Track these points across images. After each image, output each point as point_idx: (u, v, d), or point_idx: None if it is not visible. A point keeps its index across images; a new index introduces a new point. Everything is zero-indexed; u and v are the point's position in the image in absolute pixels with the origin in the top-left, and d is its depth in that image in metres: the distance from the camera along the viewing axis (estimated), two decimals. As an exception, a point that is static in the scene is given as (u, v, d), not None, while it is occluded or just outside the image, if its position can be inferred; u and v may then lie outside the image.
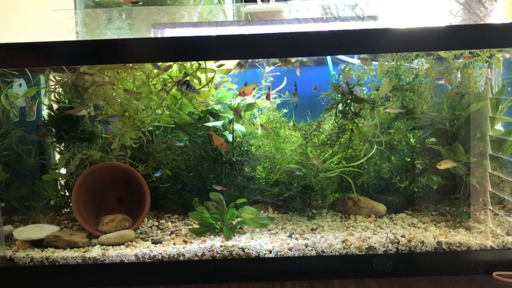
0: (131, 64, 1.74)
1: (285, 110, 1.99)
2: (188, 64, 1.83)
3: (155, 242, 1.65)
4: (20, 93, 1.85)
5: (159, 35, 1.77)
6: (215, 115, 1.94)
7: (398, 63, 1.85)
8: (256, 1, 1.98)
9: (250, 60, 1.95)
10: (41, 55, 1.47)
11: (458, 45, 1.51)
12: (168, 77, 1.85)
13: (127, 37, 1.81)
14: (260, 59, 1.98)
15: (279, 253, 1.55)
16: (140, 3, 2.06)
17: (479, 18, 1.62)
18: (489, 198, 1.70)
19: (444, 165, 1.64)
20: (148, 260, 1.54)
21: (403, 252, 1.55)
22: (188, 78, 1.81)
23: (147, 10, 2.04)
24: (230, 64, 1.91)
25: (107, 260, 1.54)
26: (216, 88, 1.88)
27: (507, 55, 1.72)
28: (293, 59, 1.87)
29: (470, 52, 1.70)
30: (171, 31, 1.82)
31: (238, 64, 1.87)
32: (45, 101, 1.95)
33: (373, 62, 1.88)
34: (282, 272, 1.53)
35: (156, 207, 1.98)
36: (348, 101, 1.83)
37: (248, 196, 1.86)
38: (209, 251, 1.55)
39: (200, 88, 1.85)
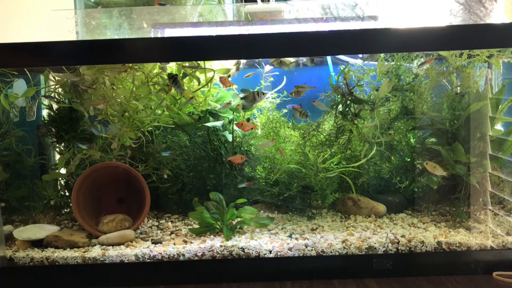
0: (130, 64, 1.74)
1: (285, 110, 1.99)
2: (187, 64, 1.83)
3: (155, 242, 1.65)
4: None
5: (159, 35, 1.77)
6: (215, 115, 1.94)
7: (398, 63, 1.85)
8: (256, 1, 1.98)
9: (245, 61, 1.95)
10: (41, 55, 1.47)
11: (458, 45, 1.51)
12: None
13: (127, 37, 1.81)
14: (258, 60, 1.98)
15: (279, 253, 1.55)
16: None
17: (479, 18, 1.62)
18: (489, 198, 1.70)
19: (431, 168, 1.64)
20: (148, 260, 1.54)
21: (403, 252, 1.55)
22: (181, 75, 1.81)
23: (147, 10, 2.04)
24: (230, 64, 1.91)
25: (107, 260, 1.54)
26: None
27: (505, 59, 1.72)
28: (289, 60, 1.87)
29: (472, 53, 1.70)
30: (171, 31, 1.82)
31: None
32: (45, 101, 1.95)
33: (372, 62, 1.89)
34: (282, 272, 1.53)
35: (156, 207, 1.98)
36: (348, 102, 1.83)
37: (248, 196, 1.86)
38: (209, 251, 1.55)
39: (199, 89, 1.85)
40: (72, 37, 1.74)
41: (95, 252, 1.57)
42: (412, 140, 1.94)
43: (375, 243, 1.56)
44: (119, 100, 1.78)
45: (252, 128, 1.78)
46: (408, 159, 1.93)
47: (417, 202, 1.90)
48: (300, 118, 1.83)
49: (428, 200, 1.86)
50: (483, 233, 1.63)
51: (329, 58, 2.05)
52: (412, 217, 1.83)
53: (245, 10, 1.87)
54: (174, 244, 1.62)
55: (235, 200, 1.78)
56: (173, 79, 1.65)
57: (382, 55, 1.80)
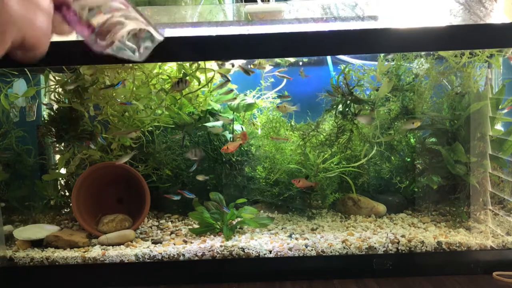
0: (130, 64, 1.74)
1: (285, 110, 1.99)
2: (187, 64, 1.83)
3: (155, 242, 1.65)
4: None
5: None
6: (215, 115, 1.94)
7: (398, 63, 1.85)
8: (256, 1, 1.98)
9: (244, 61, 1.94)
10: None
11: (458, 45, 1.51)
12: (168, 77, 1.85)
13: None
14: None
15: (279, 253, 1.55)
16: None
17: (479, 18, 1.62)
18: (489, 198, 1.70)
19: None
20: (148, 260, 1.54)
21: (403, 252, 1.55)
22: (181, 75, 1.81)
23: (147, 10, 2.03)
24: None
25: (107, 260, 1.54)
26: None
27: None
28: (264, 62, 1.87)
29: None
30: (171, 31, 1.82)
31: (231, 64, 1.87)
32: (45, 101, 1.95)
33: (372, 62, 1.88)
34: (282, 272, 1.53)
35: (156, 207, 1.98)
36: (348, 102, 1.82)
37: (248, 196, 1.86)
38: (209, 251, 1.55)
39: (199, 89, 1.85)
40: (72, 37, 1.73)
41: (95, 252, 1.57)
42: (412, 140, 1.94)
43: (375, 243, 1.56)
44: (119, 100, 1.78)
45: (240, 144, 1.79)
46: (408, 159, 1.93)
47: (417, 202, 1.90)
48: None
49: (428, 200, 1.86)
50: (483, 233, 1.63)
51: (329, 58, 2.05)
52: (412, 217, 1.83)
53: (245, 10, 1.87)
54: (174, 244, 1.62)
55: (235, 200, 1.78)
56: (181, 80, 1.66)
57: (382, 55, 1.80)
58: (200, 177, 1.80)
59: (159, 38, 0.87)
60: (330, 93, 1.79)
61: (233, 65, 1.84)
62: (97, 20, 0.80)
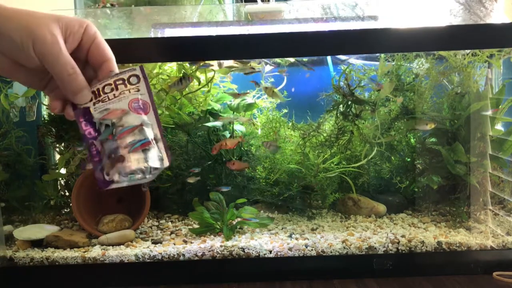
0: (131, 64, 1.74)
1: (285, 110, 1.99)
2: (187, 64, 1.83)
3: (155, 242, 1.65)
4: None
5: (159, 35, 1.77)
6: (215, 115, 1.94)
7: (399, 63, 1.85)
8: (256, 1, 1.98)
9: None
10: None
11: (458, 45, 1.51)
12: (168, 77, 1.85)
13: (127, 37, 1.81)
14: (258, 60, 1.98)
15: (279, 253, 1.55)
16: None
17: (479, 18, 1.62)
18: (489, 198, 1.70)
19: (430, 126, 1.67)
20: (148, 260, 1.54)
21: (403, 252, 1.55)
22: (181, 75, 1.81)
23: (147, 10, 2.04)
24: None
25: (107, 260, 1.54)
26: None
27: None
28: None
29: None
30: (171, 31, 1.82)
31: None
32: (45, 101, 1.95)
33: (372, 62, 1.88)
34: (282, 272, 1.53)
35: (156, 207, 1.98)
36: (349, 102, 1.82)
37: (248, 196, 1.86)
38: (209, 251, 1.55)
39: (199, 89, 1.85)
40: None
41: (95, 252, 1.57)
42: (412, 140, 1.94)
43: (375, 243, 1.56)
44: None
45: (238, 142, 1.79)
46: (408, 159, 1.93)
47: (417, 202, 1.90)
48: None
49: (428, 200, 1.86)
50: (483, 233, 1.63)
51: (329, 58, 2.05)
52: (412, 217, 1.84)
53: (245, 10, 1.87)
54: (174, 244, 1.62)
55: (235, 200, 1.78)
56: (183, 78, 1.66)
57: (383, 55, 1.80)
58: (191, 179, 1.79)
59: (165, 164, 0.81)
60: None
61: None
62: (108, 146, 0.76)
